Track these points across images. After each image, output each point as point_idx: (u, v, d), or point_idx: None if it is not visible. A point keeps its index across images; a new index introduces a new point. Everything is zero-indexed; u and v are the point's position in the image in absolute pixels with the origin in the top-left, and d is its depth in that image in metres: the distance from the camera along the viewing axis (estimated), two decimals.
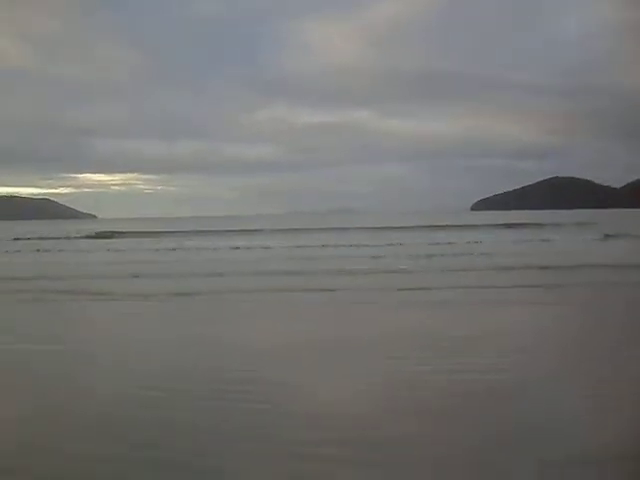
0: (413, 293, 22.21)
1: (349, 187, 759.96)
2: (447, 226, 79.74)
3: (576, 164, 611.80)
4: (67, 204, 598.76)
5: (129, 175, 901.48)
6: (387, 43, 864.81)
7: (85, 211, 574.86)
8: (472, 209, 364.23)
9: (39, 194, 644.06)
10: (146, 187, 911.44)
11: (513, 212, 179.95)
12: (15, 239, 71.54)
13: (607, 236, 54.94)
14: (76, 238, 73.27)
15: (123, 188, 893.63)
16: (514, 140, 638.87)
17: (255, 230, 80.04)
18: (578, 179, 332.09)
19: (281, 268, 30.94)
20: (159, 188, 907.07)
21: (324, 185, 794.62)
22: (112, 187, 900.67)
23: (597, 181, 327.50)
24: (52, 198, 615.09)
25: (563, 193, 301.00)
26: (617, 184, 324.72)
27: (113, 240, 68.70)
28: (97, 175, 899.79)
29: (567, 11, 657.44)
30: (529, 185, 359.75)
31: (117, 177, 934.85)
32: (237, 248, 47.89)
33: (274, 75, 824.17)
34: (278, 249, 46.45)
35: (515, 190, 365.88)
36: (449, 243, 48.08)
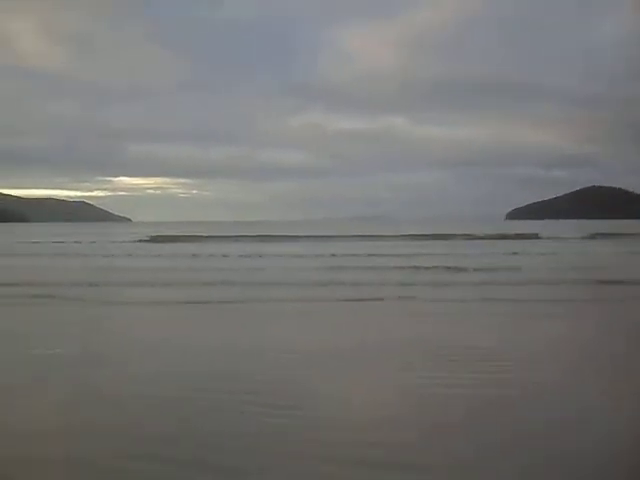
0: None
1: (382, 194, 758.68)
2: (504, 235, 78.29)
3: (613, 173, 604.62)
4: (103, 207, 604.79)
5: (164, 179, 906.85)
6: (421, 50, 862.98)
7: (120, 214, 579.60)
8: (507, 218, 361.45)
9: (75, 197, 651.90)
10: (180, 191, 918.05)
11: (572, 221, 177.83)
12: (92, 242, 73.11)
13: None
14: (134, 242, 73.57)
15: (158, 192, 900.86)
16: (550, 148, 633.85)
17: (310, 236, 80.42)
18: (615, 188, 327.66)
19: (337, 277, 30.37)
20: (194, 192, 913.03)
21: (357, 192, 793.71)
22: (147, 191, 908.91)
23: (637, 191, 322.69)
24: (88, 201, 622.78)
25: (600, 202, 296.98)
26: None
27: (173, 244, 69.00)
28: (132, 179, 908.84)
29: (605, 17, 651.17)
30: (565, 194, 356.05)
31: (152, 181, 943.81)
32: (301, 256, 47.17)
33: (308, 81, 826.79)
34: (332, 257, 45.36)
35: (551, 199, 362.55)
36: (513, 253, 46.91)
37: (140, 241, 74.66)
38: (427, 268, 34.63)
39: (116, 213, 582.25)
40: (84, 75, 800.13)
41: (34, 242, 72.99)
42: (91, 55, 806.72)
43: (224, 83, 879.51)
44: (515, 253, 46.78)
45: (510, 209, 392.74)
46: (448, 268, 34.43)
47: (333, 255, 46.10)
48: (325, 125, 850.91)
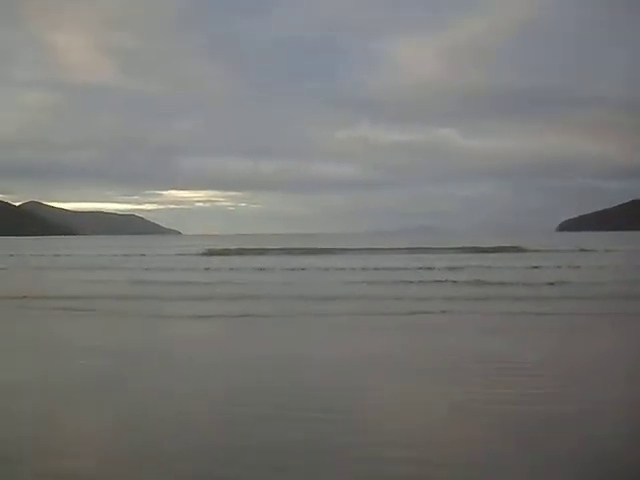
0: None
1: (431, 206, 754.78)
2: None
3: None
4: (152, 220, 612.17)
5: (213, 192, 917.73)
6: (468, 61, 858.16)
7: (169, 227, 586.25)
8: (558, 229, 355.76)
9: (124, 210, 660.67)
10: (229, 204, 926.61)
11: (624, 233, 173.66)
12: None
13: None
14: (197, 255, 74.00)
15: (207, 205, 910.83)
16: (600, 159, 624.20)
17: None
18: None
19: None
20: (242, 205, 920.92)
21: (405, 204, 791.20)
22: (196, 204, 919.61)
23: None
24: (137, 214, 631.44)
25: None
26: None
27: (229, 257, 68.40)
28: (182, 192, 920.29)
29: None
30: (619, 205, 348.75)
31: (201, 194, 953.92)
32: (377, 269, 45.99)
33: (356, 93, 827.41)
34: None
35: (602, 210, 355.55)
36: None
37: (200, 254, 74.84)
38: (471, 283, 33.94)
39: (165, 226, 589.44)
40: (132, 90, 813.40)
41: (113, 255, 74.05)
42: (140, 69, 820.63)
43: (272, 97, 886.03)
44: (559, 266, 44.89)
45: (561, 220, 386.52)
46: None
47: (376, 269, 45.41)
48: (373, 137, 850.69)
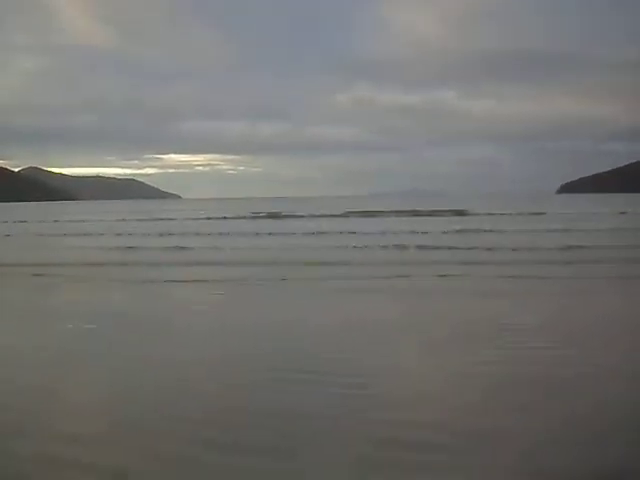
0: None
1: (431, 169, 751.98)
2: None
3: None
4: (152, 184, 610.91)
5: (213, 156, 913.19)
6: (470, 22, 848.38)
7: (169, 191, 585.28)
8: (558, 192, 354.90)
9: (124, 174, 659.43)
10: (229, 167, 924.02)
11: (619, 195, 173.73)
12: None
13: None
14: (247, 218, 73.83)
15: (206, 169, 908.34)
16: (606, 120, 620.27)
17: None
18: None
19: None
20: (241, 169, 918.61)
21: (405, 166, 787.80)
22: (196, 167, 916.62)
23: None
24: (137, 178, 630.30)
25: None
26: None
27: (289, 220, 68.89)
28: (181, 156, 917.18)
29: None
30: (617, 168, 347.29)
31: (201, 158, 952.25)
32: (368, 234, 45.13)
33: (356, 56, 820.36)
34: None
35: (603, 173, 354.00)
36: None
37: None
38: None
39: (165, 190, 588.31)
40: (133, 54, 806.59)
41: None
42: (140, 33, 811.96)
43: (272, 60, 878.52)
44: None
45: (562, 183, 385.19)
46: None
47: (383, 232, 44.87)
48: (372, 100, 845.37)
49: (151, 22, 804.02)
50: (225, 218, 72.74)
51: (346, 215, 74.57)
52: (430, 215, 71.74)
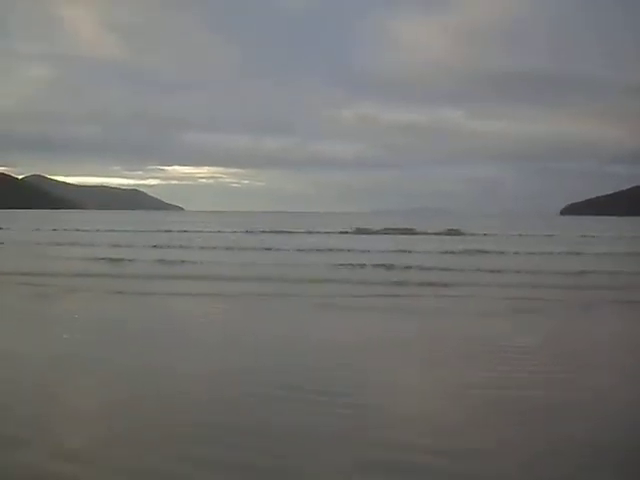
0: None
1: (435, 187, 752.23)
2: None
3: None
4: (155, 195, 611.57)
5: (216, 168, 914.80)
6: (478, 41, 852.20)
7: (172, 203, 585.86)
8: (561, 213, 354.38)
9: (127, 185, 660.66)
10: (232, 180, 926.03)
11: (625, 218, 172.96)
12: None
13: None
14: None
15: (210, 181, 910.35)
16: (610, 142, 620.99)
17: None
18: None
19: None
20: (245, 182, 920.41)
21: (409, 184, 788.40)
22: (199, 180, 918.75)
23: None
24: (141, 189, 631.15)
25: None
26: None
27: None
28: (185, 167, 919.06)
29: None
30: (621, 191, 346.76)
31: (204, 170, 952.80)
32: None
33: (362, 72, 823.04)
34: None
35: (607, 195, 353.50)
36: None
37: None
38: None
39: (168, 201, 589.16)
40: (137, 64, 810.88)
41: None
42: (145, 44, 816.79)
43: (277, 74, 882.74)
44: None
45: (566, 204, 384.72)
46: None
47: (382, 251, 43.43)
48: (379, 116, 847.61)
49: (157, 33, 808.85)
50: (220, 232, 71.48)
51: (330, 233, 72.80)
52: (424, 234, 70.33)
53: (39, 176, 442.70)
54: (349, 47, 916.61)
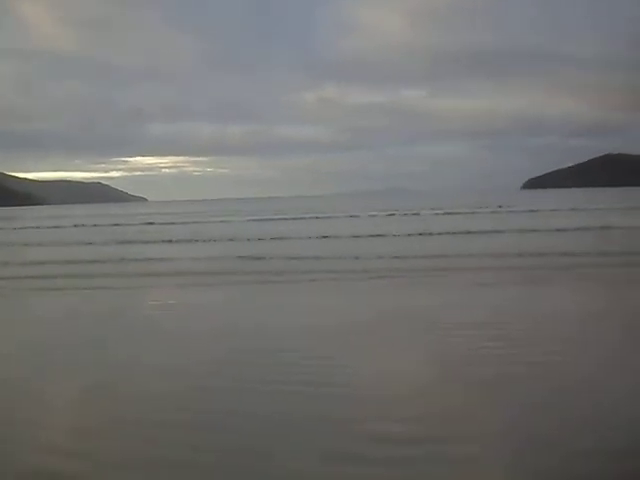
0: None
1: (400, 168, 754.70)
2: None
3: (633, 141, 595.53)
4: (118, 187, 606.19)
5: (179, 158, 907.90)
6: (437, 21, 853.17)
7: (136, 194, 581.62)
8: (522, 188, 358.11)
9: (91, 178, 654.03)
10: (196, 169, 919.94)
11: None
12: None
13: None
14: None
15: (173, 171, 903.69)
16: (570, 117, 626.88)
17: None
18: (633, 155, 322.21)
19: None
20: (209, 170, 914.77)
21: (374, 166, 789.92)
22: (163, 170, 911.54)
23: None
24: (104, 182, 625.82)
25: (615, 171, 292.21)
26: None
27: None
28: (148, 158, 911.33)
29: None
30: (581, 163, 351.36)
31: (167, 160, 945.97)
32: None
33: (323, 56, 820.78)
34: None
35: (568, 168, 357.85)
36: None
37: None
38: None
39: (131, 193, 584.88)
40: (98, 57, 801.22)
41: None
42: (106, 37, 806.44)
43: (238, 61, 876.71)
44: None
45: (526, 179, 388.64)
46: None
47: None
48: (340, 99, 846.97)
49: (117, 24, 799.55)
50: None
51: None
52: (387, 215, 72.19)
53: (0, 173, 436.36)
54: (309, 32, 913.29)
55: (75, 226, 68.72)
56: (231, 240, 43.06)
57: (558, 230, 40.31)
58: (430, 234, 40.67)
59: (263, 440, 7.66)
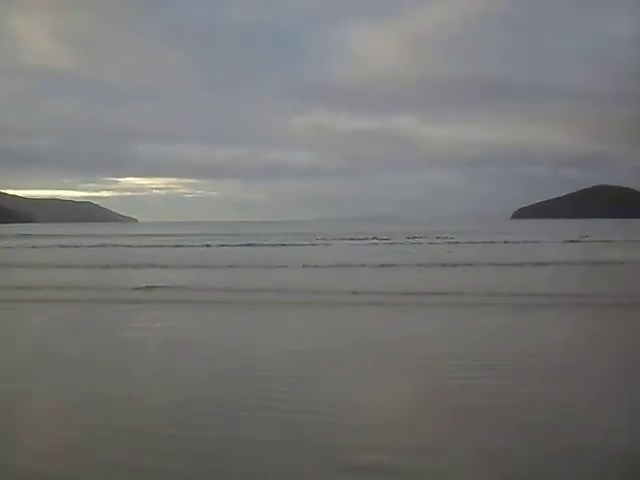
0: None
1: (389, 194, 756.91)
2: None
3: (621, 172, 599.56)
4: (108, 207, 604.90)
5: (170, 179, 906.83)
6: (427, 49, 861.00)
7: (126, 214, 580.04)
8: (513, 217, 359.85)
9: (81, 197, 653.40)
10: (186, 191, 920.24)
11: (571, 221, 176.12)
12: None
13: None
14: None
15: (164, 192, 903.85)
16: (557, 147, 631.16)
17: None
18: (622, 188, 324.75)
19: None
20: (199, 192, 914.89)
21: (363, 192, 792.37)
22: (153, 191, 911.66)
23: None
24: (94, 201, 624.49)
25: (605, 202, 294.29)
26: None
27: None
28: (138, 179, 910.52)
29: (619, 11, 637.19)
30: (570, 194, 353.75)
31: (158, 181, 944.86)
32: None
33: (314, 81, 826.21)
34: None
35: (557, 198, 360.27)
36: None
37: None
38: None
39: (122, 213, 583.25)
40: (90, 75, 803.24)
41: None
42: (98, 56, 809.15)
43: (230, 84, 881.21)
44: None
45: (516, 208, 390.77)
46: None
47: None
48: (331, 125, 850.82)
49: (110, 45, 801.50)
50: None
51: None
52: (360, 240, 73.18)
53: None
54: (299, 57, 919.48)
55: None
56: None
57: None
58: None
59: None
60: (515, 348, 14.25)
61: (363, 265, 38.18)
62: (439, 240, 70.45)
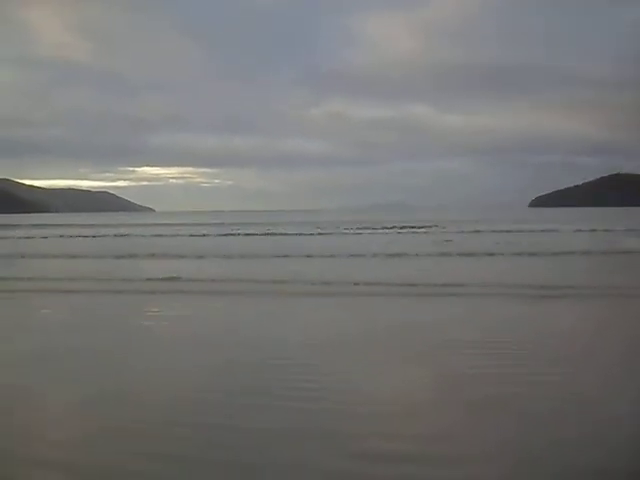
0: None
1: (405, 181, 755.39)
2: None
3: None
4: (125, 197, 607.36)
5: (186, 169, 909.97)
6: (446, 37, 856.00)
7: (143, 204, 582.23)
8: (530, 205, 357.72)
9: (97, 187, 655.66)
10: (203, 180, 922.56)
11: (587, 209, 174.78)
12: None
13: None
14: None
15: (180, 181, 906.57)
16: (577, 135, 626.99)
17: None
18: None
19: None
20: (216, 181, 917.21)
21: (378, 180, 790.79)
22: (169, 180, 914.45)
23: None
24: (110, 191, 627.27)
25: (625, 190, 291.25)
26: None
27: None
28: (155, 168, 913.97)
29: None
30: (589, 181, 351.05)
31: (174, 170, 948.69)
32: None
33: (331, 70, 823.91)
34: None
35: (576, 186, 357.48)
36: None
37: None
38: None
39: (139, 203, 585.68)
40: (106, 66, 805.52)
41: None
42: (113, 46, 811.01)
43: (246, 73, 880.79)
44: None
45: (534, 197, 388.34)
46: None
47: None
48: (346, 113, 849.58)
49: (125, 35, 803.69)
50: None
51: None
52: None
53: (6, 180, 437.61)
54: (315, 46, 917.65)
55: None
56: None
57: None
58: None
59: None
60: (534, 338, 13.94)
61: (375, 255, 38.00)
62: (463, 229, 69.06)
